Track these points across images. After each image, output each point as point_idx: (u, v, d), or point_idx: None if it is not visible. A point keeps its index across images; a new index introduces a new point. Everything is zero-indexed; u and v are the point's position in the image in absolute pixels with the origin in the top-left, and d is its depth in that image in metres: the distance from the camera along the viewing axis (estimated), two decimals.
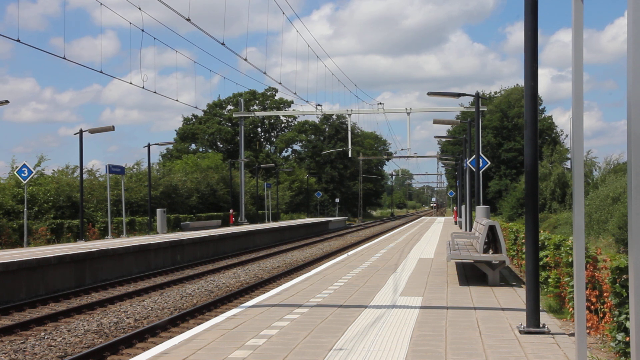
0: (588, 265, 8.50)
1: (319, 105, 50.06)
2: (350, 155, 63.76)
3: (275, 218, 62.41)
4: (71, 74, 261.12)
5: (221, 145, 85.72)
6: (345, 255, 19.80)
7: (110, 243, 24.38)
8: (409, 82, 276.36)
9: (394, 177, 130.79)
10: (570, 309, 9.09)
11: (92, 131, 29.72)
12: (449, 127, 49.32)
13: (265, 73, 40.06)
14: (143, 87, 26.23)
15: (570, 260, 9.21)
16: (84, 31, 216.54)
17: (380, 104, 53.49)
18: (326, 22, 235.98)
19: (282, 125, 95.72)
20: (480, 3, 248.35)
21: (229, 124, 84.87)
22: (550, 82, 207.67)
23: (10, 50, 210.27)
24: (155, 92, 29.38)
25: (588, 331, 8.41)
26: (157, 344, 9.04)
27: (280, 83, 32.80)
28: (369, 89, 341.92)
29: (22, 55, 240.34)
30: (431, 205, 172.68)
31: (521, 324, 8.18)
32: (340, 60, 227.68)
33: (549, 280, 11.16)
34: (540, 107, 79.93)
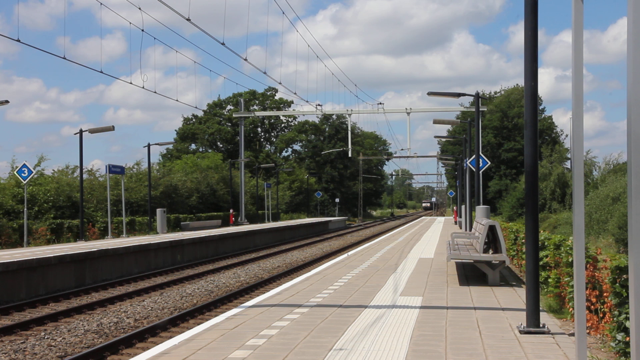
0: (588, 265, 8.50)
1: (319, 105, 50.12)
2: (350, 155, 63.74)
3: (275, 218, 62.40)
4: (77, 74, 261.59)
5: (221, 145, 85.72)
6: (345, 255, 19.80)
7: (110, 243, 24.38)
8: (412, 83, 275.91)
9: (394, 177, 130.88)
10: (570, 309, 9.09)
11: (92, 131, 29.72)
12: (449, 127, 49.32)
13: (265, 73, 40.19)
14: (143, 87, 26.30)
15: (570, 260, 9.21)
16: (91, 32, 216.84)
17: (381, 103, 53.59)
18: (330, 22, 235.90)
19: (282, 125, 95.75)
20: (487, 6, 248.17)
21: (229, 124, 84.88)
22: (554, 82, 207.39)
23: (18, 51, 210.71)
24: (155, 92, 29.41)
25: (588, 331, 8.42)
26: (157, 344, 9.04)
27: (280, 83, 32.88)
28: (373, 89, 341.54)
29: (29, 56, 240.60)
30: (424, 205, 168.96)
31: (521, 324, 8.18)
32: (344, 60, 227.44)
33: (549, 280, 11.16)
34: (541, 107, 79.95)
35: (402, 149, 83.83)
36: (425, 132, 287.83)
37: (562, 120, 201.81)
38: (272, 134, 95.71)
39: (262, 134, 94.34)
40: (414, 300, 10.60)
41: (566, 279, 9.80)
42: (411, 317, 9.10)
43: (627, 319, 6.76)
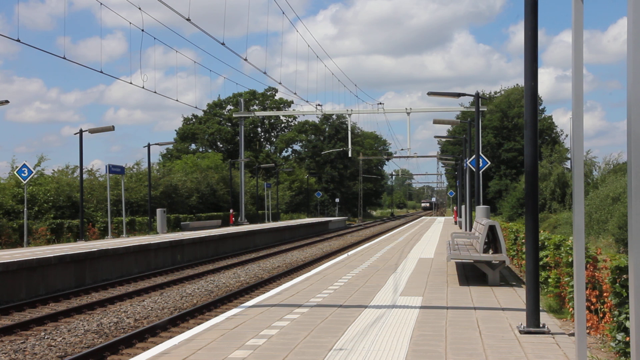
0: (588, 265, 8.50)
1: (319, 105, 50.12)
2: (350, 155, 63.73)
3: (275, 218, 62.40)
4: (77, 74, 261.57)
5: (221, 145, 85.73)
6: (345, 255, 19.80)
7: (110, 243, 24.38)
8: (412, 83, 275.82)
9: (394, 177, 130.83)
10: (570, 309, 9.09)
11: (92, 131, 29.72)
12: (449, 127, 49.32)
13: (265, 73, 40.20)
14: (143, 87, 26.31)
15: (570, 260, 9.21)
16: (91, 32, 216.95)
17: (381, 103, 53.61)
18: (330, 22, 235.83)
19: (282, 125, 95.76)
20: (487, 6, 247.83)
21: (229, 124, 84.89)
22: (554, 82, 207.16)
23: (18, 51, 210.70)
24: (155, 92, 29.40)
25: (588, 331, 8.42)
26: (157, 344, 9.04)
27: (280, 83, 32.89)
28: (373, 89, 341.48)
29: (29, 56, 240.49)
30: (422, 205, 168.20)
31: (521, 324, 8.18)
32: (344, 60, 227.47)
33: (549, 280, 11.16)
34: (540, 107, 79.95)
35: (402, 149, 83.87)
36: (425, 132, 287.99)
37: (562, 120, 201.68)
38: (272, 134, 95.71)
39: (262, 134, 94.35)
40: (414, 300, 10.60)
41: (566, 279, 9.80)
42: (411, 317, 9.10)
43: (627, 319, 6.76)
